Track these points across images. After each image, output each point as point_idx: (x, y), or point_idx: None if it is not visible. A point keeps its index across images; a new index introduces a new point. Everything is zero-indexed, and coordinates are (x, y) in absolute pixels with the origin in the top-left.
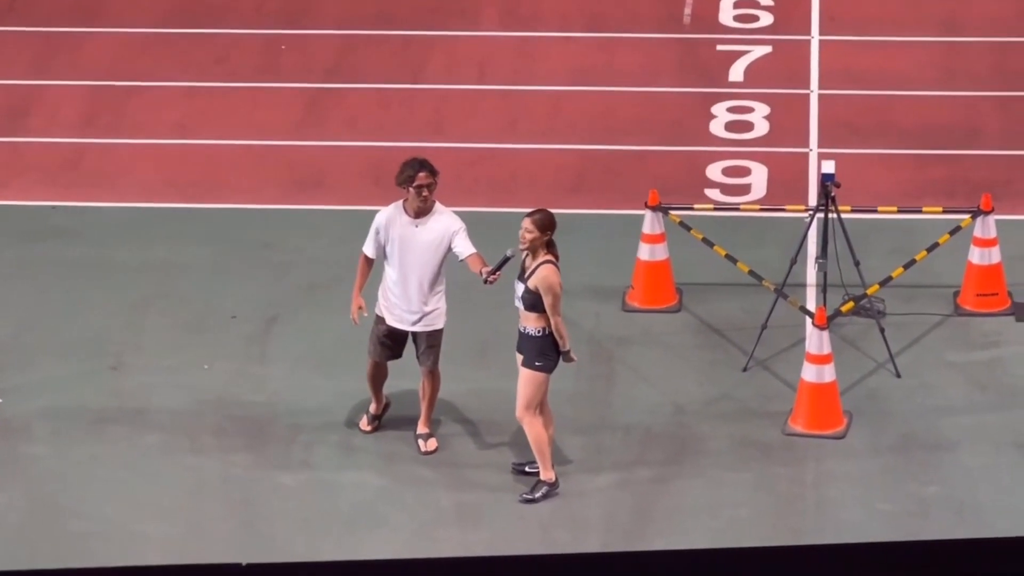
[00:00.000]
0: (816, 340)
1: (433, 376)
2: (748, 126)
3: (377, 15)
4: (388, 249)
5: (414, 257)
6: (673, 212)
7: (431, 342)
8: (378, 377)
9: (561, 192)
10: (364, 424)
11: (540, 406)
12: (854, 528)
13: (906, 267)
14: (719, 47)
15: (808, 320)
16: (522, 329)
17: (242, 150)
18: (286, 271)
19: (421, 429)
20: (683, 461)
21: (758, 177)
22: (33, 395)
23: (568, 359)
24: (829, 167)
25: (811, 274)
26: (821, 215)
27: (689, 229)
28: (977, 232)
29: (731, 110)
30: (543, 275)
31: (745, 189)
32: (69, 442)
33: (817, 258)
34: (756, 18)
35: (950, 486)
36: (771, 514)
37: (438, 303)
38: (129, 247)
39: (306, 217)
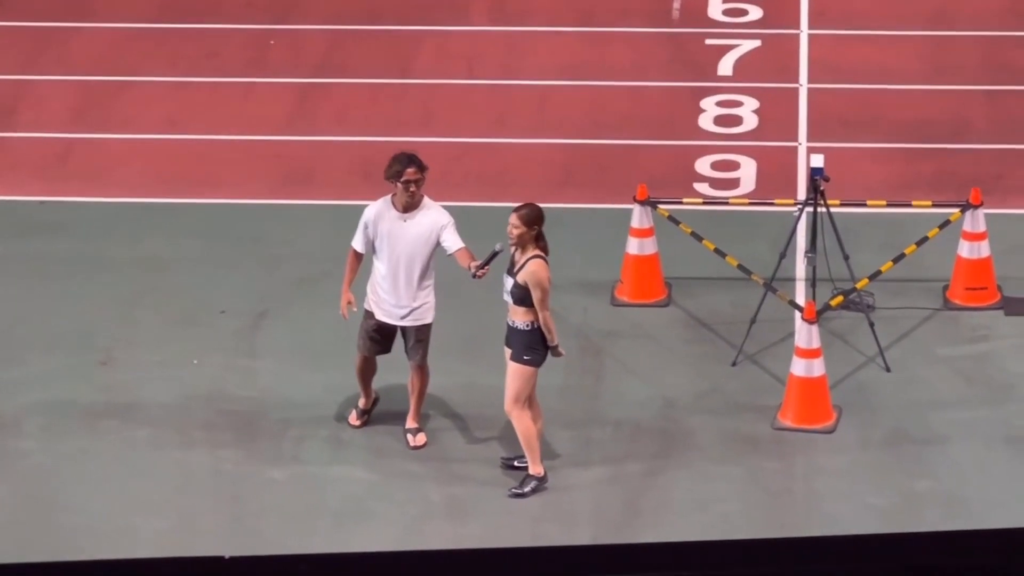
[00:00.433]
0: (805, 334)
1: (422, 370)
2: (737, 120)
3: (366, 10)
4: (377, 244)
5: (403, 252)
6: (662, 206)
7: (420, 336)
8: (367, 372)
9: (550, 186)
10: (353, 418)
11: (529, 400)
12: (843, 522)
13: (895, 261)
14: (708, 41)
15: (797, 314)
16: (510, 323)
17: (231, 145)
18: (275, 265)
19: (410, 423)
20: (672, 455)
21: (747, 171)
22: (23, 390)
23: (556, 353)
24: (818, 161)
25: (800, 268)
26: (810, 209)
27: (678, 223)
28: (966, 226)
29: (720, 104)
30: (531, 270)
31: (734, 183)
32: (59, 437)
33: (806, 252)
34: (745, 12)
35: (939, 480)
36: (760, 508)
37: (427, 297)
38: (118, 242)
39: (295, 212)
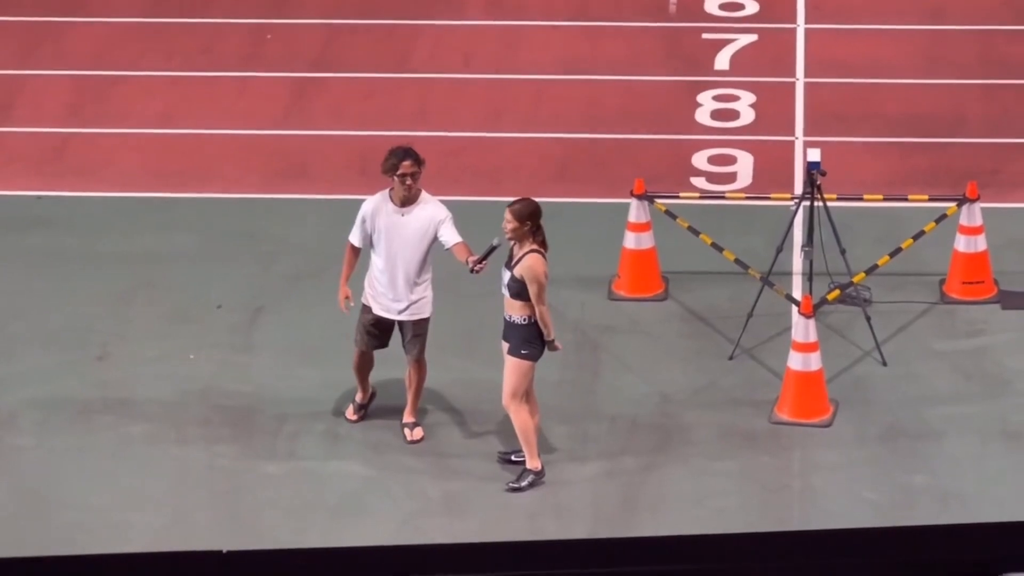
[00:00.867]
0: (802, 328)
1: (419, 365)
2: (734, 114)
3: (362, 4)
4: (374, 238)
5: (400, 246)
6: (659, 201)
7: (417, 331)
8: (364, 366)
9: (546, 181)
10: (350, 413)
11: (526, 394)
12: (839, 517)
13: (892, 255)
14: (704, 36)
15: (794, 308)
16: (507, 317)
17: (227, 139)
18: (271, 261)
19: (407, 418)
20: (669, 450)
21: (744, 165)
22: (18, 385)
23: (552, 348)
24: (815, 155)
25: (797, 262)
26: (807, 203)
27: (675, 218)
28: (963, 220)
29: (717, 98)
30: (528, 264)
31: (731, 177)
32: (54, 432)
33: (803, 246)
34: (741, 6)
35: (936, 475)
36: (757, 503)
37: (424, 292)
38: (114, 237)
39: (291, 206)
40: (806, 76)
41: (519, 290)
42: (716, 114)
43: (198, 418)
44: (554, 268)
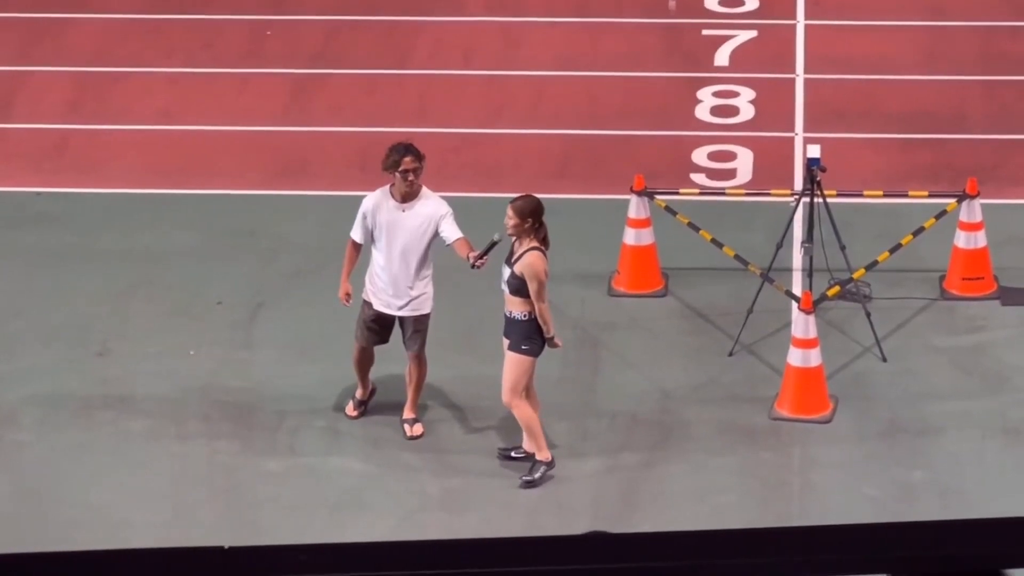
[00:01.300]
0: (802, 324)
1: (419, 361)
2: (733, 111)
3: (362, 1)
4: (375, 234)
5: (401, 242)
6: (659, 197)
7: (418, 327)
8: (364, 362)
9: (546, 177)
10: (350, 409)
11: (526, 390)
12: (839, 513)
13: (892, 251)
14: (704, 32)
15: (794, 304)
16: (508, 313)
17: (227, 136)
18: (272, 257)
19: (407, 414)
20: (669, 446)
21: (744, 162)
22: (19, 382)
23: (552, 344)
24: (815, 151)
25: (797, 258)
26: (807, 199)
27: (675, 214)
28: (963, 216)
29: (716, 95)
30: (528, 261)
31: (731, 174)
32: (55, 429)
33: (803, 242)
34: (741, 3)
35: (935, 471)
36: (756, 499)
37: (425, 288)
38: (114, 233)
39: (292, 203)
40: (806, 72)
41: (519, 286)
42: (716, 110)
43: (198, 414)
44: (554, 264)
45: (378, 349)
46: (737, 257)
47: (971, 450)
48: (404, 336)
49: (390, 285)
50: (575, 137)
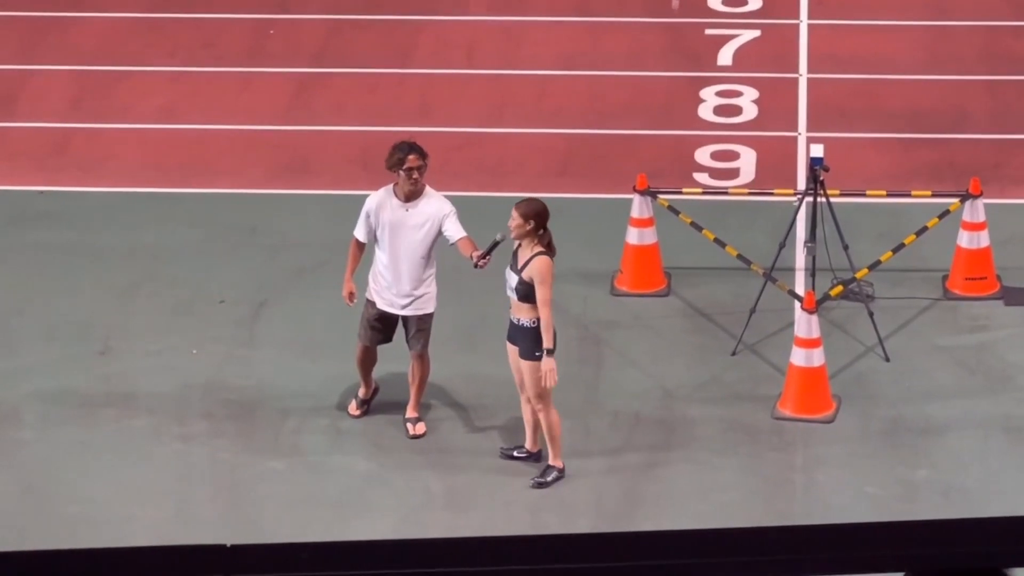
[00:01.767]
0: (805, 324)
1: (422, 360)
2: (736, 110)
3: (365, 0)
4: (379, 233)
5: (404, 241)
6: (662, 196)
7: (421, 326)
8: (367, 361)
9: (549, 176)
10: (353, 408)
11: (550, 392)
12: (842, 512)
13: (895, 251)
14: (707, 31)
15: (797, 304)
16: (515, 320)
17: (230, 134)
18: (274, 255)
19: (410, 413)
20: (672, 445)
21: (747, 161)
22: (22, 379)
23: (549, 355)
24: (818, 151)
25: (800, 258)
26: (810, 199)
27: (678, 213)
28: (966, 216)
29: (719, 94)
30: (537, 266)
31: (734, 173)
32: (57, 426)
33: (806, 242)
34: (745, 2)
35: (939, 470)
36: (759, 498)
37: (428, 287)
38: (116, 231)
39: (294, 201)
40: (809, 72)
41: (527, 292)
42: (719, 110)
43: (201, 412)
44: (557, 263)
45: (381, 348)
46: (740, 256)
47: (974, 449)
48: (407, 335)
49: (393, 284)
50: (578, 136)
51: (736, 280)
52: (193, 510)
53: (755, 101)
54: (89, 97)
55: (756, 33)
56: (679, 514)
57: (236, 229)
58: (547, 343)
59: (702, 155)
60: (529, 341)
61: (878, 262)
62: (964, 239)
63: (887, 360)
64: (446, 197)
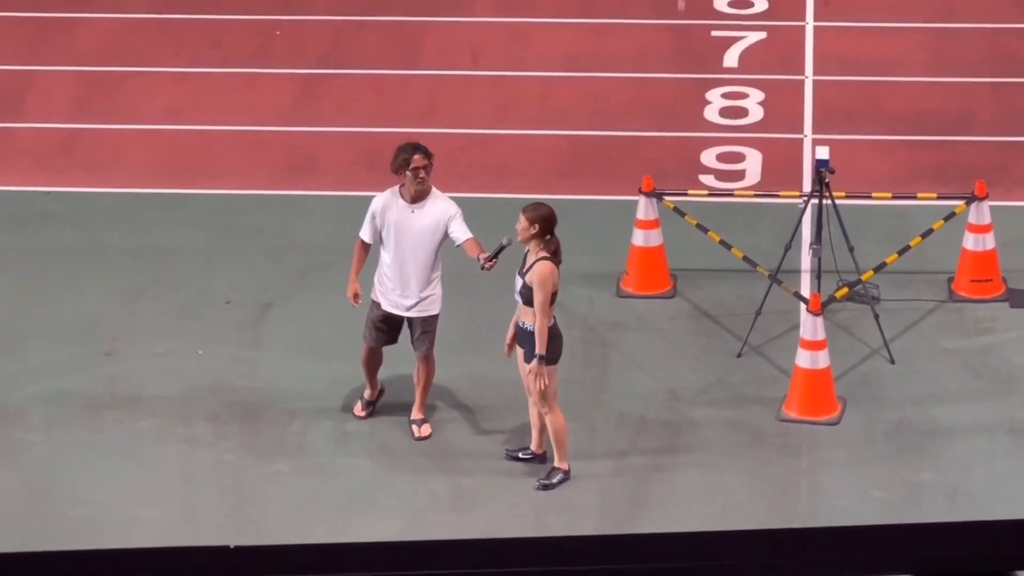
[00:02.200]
0: (810, 326)
1: (427, 362)
2: (742, 112)
3: (370, 0)
4: (384, 234)
5: (410, 242)
6: (667, 198)
7: (426, 328)
8: (373, 363)
9: (554, 177)
10: (358, 410)
11: (555, 395)
12: (847, 514)
13: (900, 253)
14: (713, 33)
15: (802, 306)
16: (522, 324)
17: (235, 135)
18: (280, 256)
19: (415, 415)
20: (677, 447)
21: (752, 163)
22: (27, 381)
23: (540, 362)
24: (823, 153)
25: (805, 260)
26: (815, 201)
27: (683, 215)
28: (971, 218)
29: (725, 96)
30: (538, 272)
31: (739, 175)
32: (63, 428)
33: (811, 244)
34: (750, 4)
35: (944, 472)
36: (764, 500)
37: (434, 289)
38: (122, 232)
39: (299, 202)
40: (815, 73)
41: (531, 297)
42: (725, 111)
43: (206, 414)
44: (562, 264)
45: (386, 349)
46: (745, 258)
47: (979, 452)
48: (412, 337)
49: (399, 286)
50: (583, 137)
51: (741, 282)
52: (198, 512)
53: (761, 103)
54: (95, 97)
55: (762, 35)
56: (684, 516)
57: (242, 230)
58: (539, 348)
59: (708, 157)
60: (534, 345)
61: (883, 264)
62: (970, 241)
63: (892, 362)
64: (451, 198)
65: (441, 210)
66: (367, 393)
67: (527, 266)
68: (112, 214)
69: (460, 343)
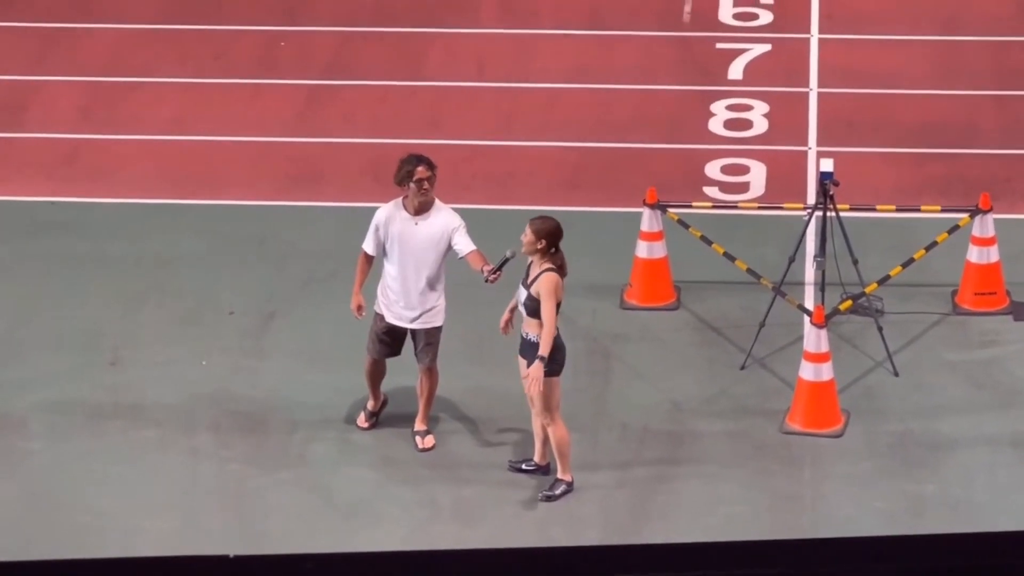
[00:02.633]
0: (814, 338)
1: (431, 373)
2: (747, 124)
3: (376, 11)
4: (388, 246)
5: (414, 254)
6: (672, 210)
7: (429, 339)
8: (376, 374)
9: (559, 189)
10: (361, 421)
11: (557, 406)
12: (850, 526)
13: (904, 266)
14: (718, 45)
15: (806, 318)
16: (525, 335)
17: (240, 146)
18: (284, 266)
19: (418, 426)
20: (680, 459)
21: (757, 175)
22: (30, 389)
23: (542, 361)
24: (828, 165)
25: (809, 272)
26: (820, 213)
27: (688, 227)
28: (975, 231)
29: (730, 108)
30: (544, 283)
31: (744, 187)
32: (65, 436)
33: (815, 256)
34: (756, 16)
35: (947, 485)
36: (767, 511)
37: (437, 301)
38: (126, 242)
39: (303, 213)
40: (819, 86)
41: (535, 308)
42: (729, 123)
43: (209, 423)
44: (567, 276)
45: (390, 361)
46: (749, 271)
47: (982, 464)
48: (416, 348)
49: (402, 297)
50: (588, 149)
51: (745, 294)
52: (201, 521)
53: (765, 115)
54: (99, 108)
55: (767, 47)
56: (687, 527)
57: (245, 240)
58: (542, 350)
59: (712, 169)
60: (537, 356)
61: (887, 277)
62: (974, 254)
63: (896, 375)
64: (455, 209)
65: (445, 222)
66: (370, 404)
67: (531, 277)
68: (116, 223)
69: (464, 355)
